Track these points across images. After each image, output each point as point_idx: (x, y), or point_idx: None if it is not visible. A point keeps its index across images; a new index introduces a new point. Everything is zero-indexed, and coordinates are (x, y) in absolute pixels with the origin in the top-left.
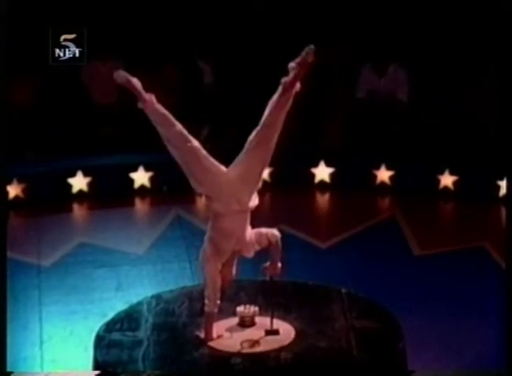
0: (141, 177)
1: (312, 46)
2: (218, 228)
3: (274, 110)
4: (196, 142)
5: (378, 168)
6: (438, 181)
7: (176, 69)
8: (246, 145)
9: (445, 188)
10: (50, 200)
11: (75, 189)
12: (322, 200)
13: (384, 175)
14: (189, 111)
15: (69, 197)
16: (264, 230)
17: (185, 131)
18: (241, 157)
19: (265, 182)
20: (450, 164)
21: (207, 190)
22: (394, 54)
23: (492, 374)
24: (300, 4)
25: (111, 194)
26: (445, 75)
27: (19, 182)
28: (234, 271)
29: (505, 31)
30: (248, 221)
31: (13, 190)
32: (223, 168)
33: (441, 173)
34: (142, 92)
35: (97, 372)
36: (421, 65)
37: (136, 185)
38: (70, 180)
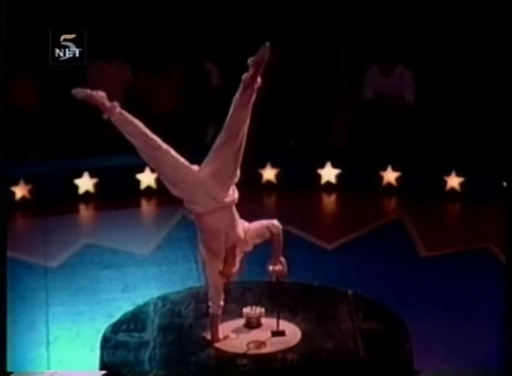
0: (147, 178)
1: (268, 43)
2: (203, 229)
3: (238, 106)
4: (165, 146)
5: (384, 169)
6: (445, 182)
7: (182, 69)
8: (216, 142)
9: (452, 189)
10: (56, 201)
11: (81, 190)
12: (328, 201)
13: (390, 176)
14: (196, 111)
15: (75, 198)
16: (264, 222)
17: (153, 136)
18: (211, 154)
19: (270, 183)
20: (457, 165)
21: (181, 193)
22: (400, 55)
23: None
24: (305, 5)
25: (117, 195)
26: (451, 76)
27: (26, 183)
28: (238, 268)
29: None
30: (234, 216)
31: (20, 191)
32: (195, 167)
33: (448, 174)
34: (106, 102)
35: (103, 372)
36: (427, 66)
37: (142, 186)
38: (77, 181)
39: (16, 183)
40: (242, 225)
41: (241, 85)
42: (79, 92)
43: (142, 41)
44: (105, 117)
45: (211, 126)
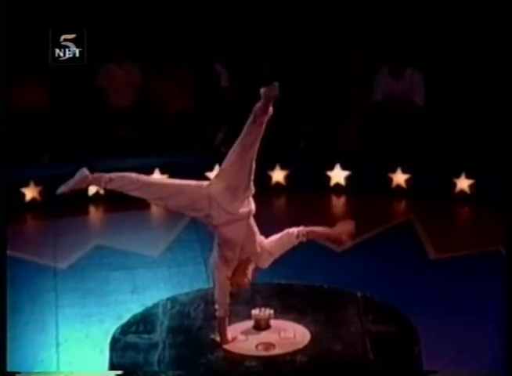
0: None
1: (276, 83)
2: (219, 237)
3: (247, 134)
4: (166, 180)
5: (394, 171)
6: (454, 184)
7: (192, 71)
8: (225, 161)
9: (461, 191)
10: (66, 202)
11: (91, 192)
12: (338, 203)
13: (399, 178)
14: (206, 114)
15: (85, 200)
16: (295, 229)
17: (151, 180)
18: (221, 172)
19: (280, 185)
20: (466, 167)
21: (200, 213)
22: (410, 57)
23: None
24: (316, 7)
25: (127, 197)
26: (461, 78)
27: (36, 184)
28: (249, 278)
29: None
30: (253, 230)
31: (30, 193)
32: (204, 183)
33: (458, 177)
34: (90, 178)
35: (114, 373)
36: (436, 68)
37: None
38: None
39: (26, 185)
40: (259, 241)
41: (251, 115)
42: (62, 189)
43: (153, 43)
44: (99, 190)
45: (221, 128)
